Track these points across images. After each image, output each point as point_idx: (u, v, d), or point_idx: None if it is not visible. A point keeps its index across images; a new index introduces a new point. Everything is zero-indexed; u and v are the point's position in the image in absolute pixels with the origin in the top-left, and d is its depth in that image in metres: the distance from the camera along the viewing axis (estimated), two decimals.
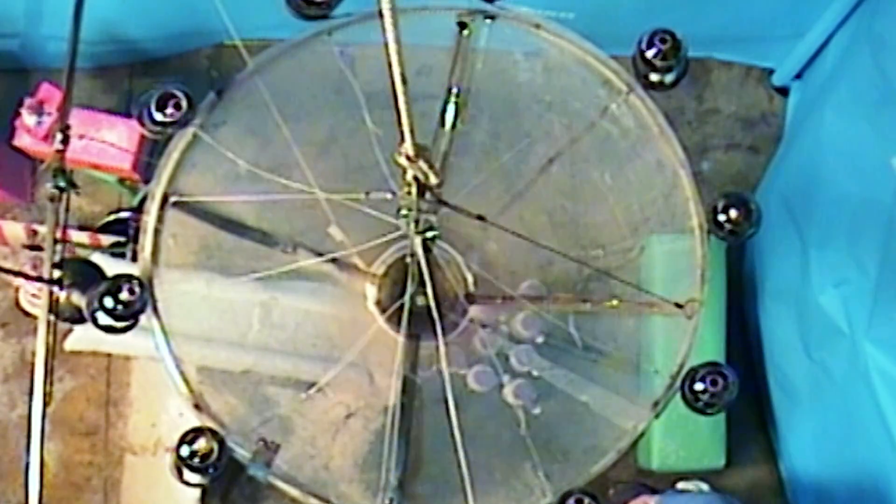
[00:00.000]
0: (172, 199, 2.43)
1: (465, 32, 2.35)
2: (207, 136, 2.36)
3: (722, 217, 2.35)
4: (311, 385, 2.54)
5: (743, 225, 2.34)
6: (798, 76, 4.21)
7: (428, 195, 1.68)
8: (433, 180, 1.66)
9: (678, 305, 2.44)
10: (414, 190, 1.65)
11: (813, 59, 4.03)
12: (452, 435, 2.08)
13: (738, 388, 2.18)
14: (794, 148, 3.98)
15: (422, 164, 1.60)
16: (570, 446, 2.55)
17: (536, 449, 2.49)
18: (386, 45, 1.45)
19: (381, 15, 1.38)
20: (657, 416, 2.47)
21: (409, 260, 2.04)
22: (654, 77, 2.16)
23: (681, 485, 3.37)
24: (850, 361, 3.19)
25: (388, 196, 1.77)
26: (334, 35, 2.42)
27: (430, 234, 1.72)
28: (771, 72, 4.36)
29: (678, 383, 2.32)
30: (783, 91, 4.36)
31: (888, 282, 3.06)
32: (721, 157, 4.40)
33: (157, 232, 2.42)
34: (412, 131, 1.59)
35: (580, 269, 2.61)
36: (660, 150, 2.50)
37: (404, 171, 1.67)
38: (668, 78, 2.16)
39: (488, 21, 2.33)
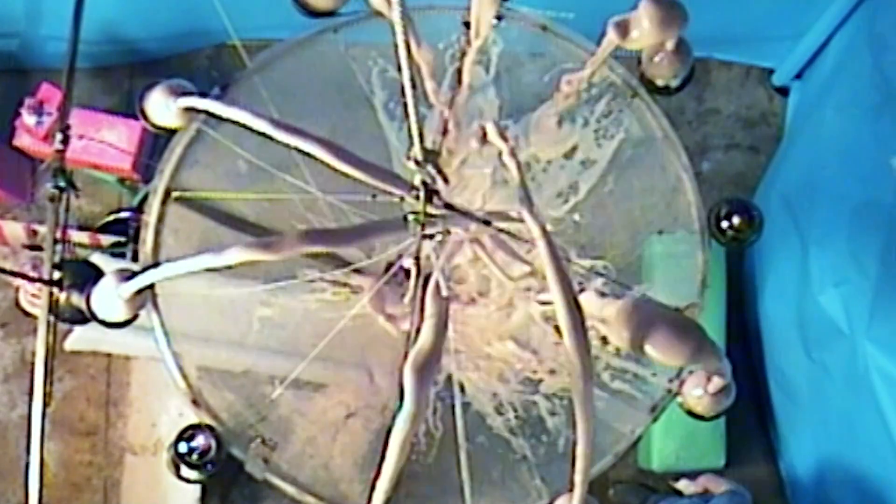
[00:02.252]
0: (175, 193, 2.43)
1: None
2: (212, 131, 2.35)
3: (724, 223, 2.34)
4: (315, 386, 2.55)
5: (745, 231, 2.33)
6: (798, 76, 4.22)
7: (436, 199, 1.68)
8: (441, 185, 1.66)
9: (678, 310, 2.43)
10: (422, 194, 1.65)
11: (813, 59, 4.03)
12: (455, 436, 2.08)
13: (736, 392, 2.18)
14: (794, 148, 3.98)
15: (430, 168, 1.60)
16: (566, 448, 2.55)
17: (533, 451, 2.48)
18: (396, 50, 1.45)
19: (391, 25, 1.38)
20: (655, 420, 2.47)
21: (412, 263, 2.03)
22: (659, 82, 2.16)
23: (682, 484, 3.36)
24: (850, 361, 3.19)
25: (396, 199, 1.77)
26: (340, 32, 2.42)
27: (437, 238, 1.72)
28: (771, 72, 4.37)
29: (676, 388, 2.31)
30: (783, 91, 4.36)
31: (888, 282, 3.06)
32: (721, 157, 4.40)
33: (158, 227, 2.42)
34: (421, 135, 1.59)
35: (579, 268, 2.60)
36: (663, 154, 2.50)
37: (407, 175, 1.67)
38: (674, 82, 2.15)
39: (495, 21, 2.33)
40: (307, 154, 1.80)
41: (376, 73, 2.47)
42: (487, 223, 1.75)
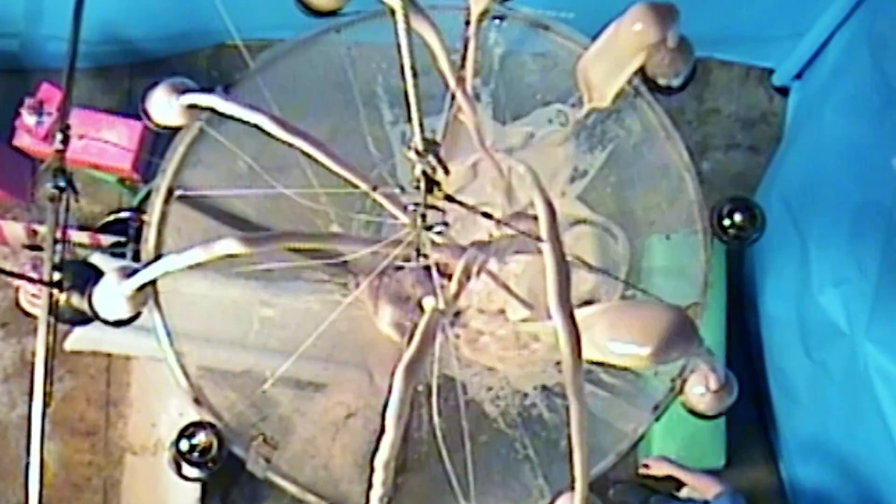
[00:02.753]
0: (177, 192, 2.42)
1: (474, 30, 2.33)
2: (213, 131, 2.35)
3: (726, 222, 2.35)
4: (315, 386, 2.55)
5: (747, 229, 2.34)
6: (798, 76, 4.22)
7: (436, 191, 1.67)
8: (441, 176, 1.65)
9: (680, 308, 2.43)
10: (422, 185, 1.63)
11: (813, 59, 4.03)
12: (461, 436, 2.08)
13: (738, 390, 2.18)
14: (794, 148, 3.98)
15: (430, 159, 1.59)
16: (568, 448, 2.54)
17: (535, 450, 2.48)
18: (397, 35, 1.44)
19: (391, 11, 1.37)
20: (657, 419, 2.47)
21: (412, 255, 2.03)
22: (661, 81, 2.16)
23: (684, 493, 3.37)
24: (850, 361, 3.19)
25: (397, 191, 1.76)
26: (343, 33, 2.42)
27: (437, 230, 1.71)
28: (771, 72, 4.37)
29: (678, 386, 2.31)
30: (783, 91, 4.37)
31: (888, 282, 3.06)
32: (721, 157, 4.41)
33: (160, 226, 2.42)
34: (421, 125, 1.57)
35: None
36: (665, 153, 2.50)
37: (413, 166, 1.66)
38: (676, 81, 2.15)
39: (497, 21, 2.33)
40: (305, 153, 1.80)
41: (379, 73, 2.47)
42: (487, 216, 1.74)
